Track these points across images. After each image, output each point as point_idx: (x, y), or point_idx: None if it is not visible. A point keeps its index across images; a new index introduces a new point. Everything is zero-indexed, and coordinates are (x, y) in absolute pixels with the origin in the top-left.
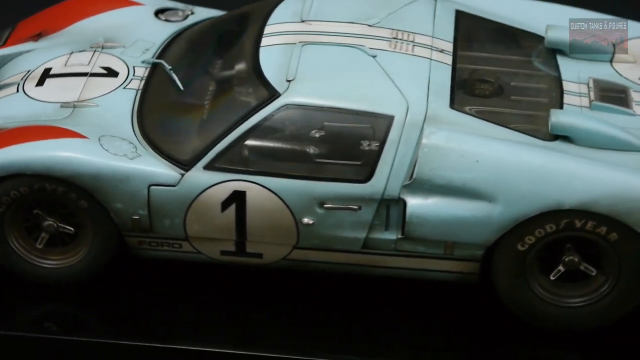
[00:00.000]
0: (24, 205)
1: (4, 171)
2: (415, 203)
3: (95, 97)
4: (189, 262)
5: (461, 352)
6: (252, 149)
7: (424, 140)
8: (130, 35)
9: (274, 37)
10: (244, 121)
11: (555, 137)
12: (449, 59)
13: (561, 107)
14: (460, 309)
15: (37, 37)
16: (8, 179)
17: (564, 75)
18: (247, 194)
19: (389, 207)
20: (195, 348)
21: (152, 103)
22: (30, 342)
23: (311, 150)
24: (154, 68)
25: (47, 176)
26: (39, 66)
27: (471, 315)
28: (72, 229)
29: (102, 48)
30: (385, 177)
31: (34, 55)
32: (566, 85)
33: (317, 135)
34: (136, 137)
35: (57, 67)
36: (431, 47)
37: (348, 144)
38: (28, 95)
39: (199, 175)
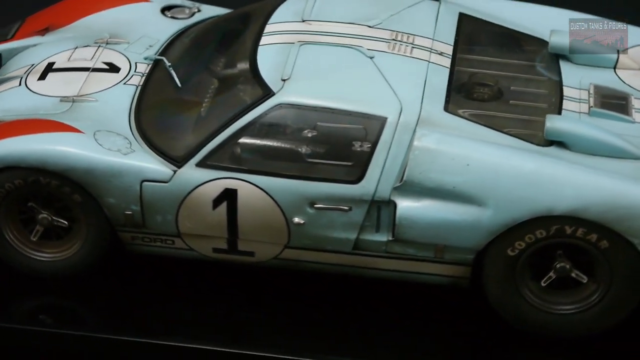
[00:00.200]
0: (19, 198)
1: None
2: (405, 205)
3: (94, 92)
4: (182, 259)
5: (456, 353)
6: (245, 147)
7: (415, 143)
8: (135, 32)
9: (274, 36)
10: (237, 119)
11: (550, 143)
12: (447, 62)
13: (560, 113)
14: (456, 311)
15: (44, 31)
16: (3, 171)
17: (565, 81)
18: (239, 192)
19: (380, 209)
20: (188, 345)
21: (150, 99)
22: (24, 335)
23: (303, 149)
24: (156, 65)
25: (41, 169)
26: (43, 60)
27: (467, 317)
28: (66, 222)
29: (107, 44)
30: (376, 179)
31: (39, 49)
32: (566, 91)
33: (309, 135)
34: (132, 132)
35: (60, 62)
36: (430, 50)
37: (340, 145)
38: (29, 89)
39: (191, 173)
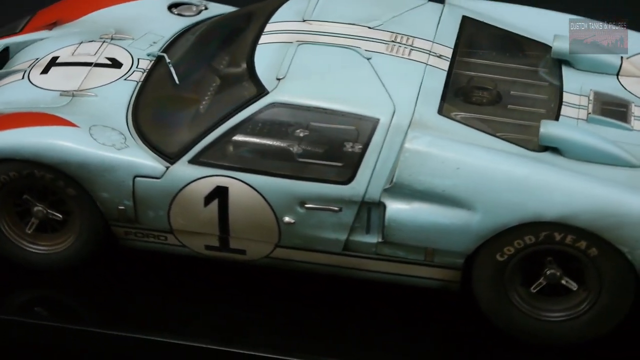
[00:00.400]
0: (14, 190)
1: None
2: (394, 207)
3: (95, 87)
4: (176, 255)
5: (455, 354)
6: (237, 145)
7: (406, 145)
8: (141, 28)
9: (273, 35)
10: (230, 117)
11: (545, 149)
12: (445, 65)
13: (557, 119)
14: (455, 312)
15: (52, 25)
16: None
17: (565, 87)
18: (230, 189)
19: (370, 210)
20: (181, 342)
21: (149, 95)
22: (18, 327)
23: (295, 149)
24: (158, 61)
25: (35, 162)
26: (47, 54)
27: (465, 318)
28: (60, 216)
29: (111, 39)
30: (367, 180)
31: (46, 43)
32: (566, 97)
33: (301, 134)
34: (128, 128)
35: (64, 56)
36: (429, 52)
37: (332, 145)
38: (32, 83)
39: (183, 169)
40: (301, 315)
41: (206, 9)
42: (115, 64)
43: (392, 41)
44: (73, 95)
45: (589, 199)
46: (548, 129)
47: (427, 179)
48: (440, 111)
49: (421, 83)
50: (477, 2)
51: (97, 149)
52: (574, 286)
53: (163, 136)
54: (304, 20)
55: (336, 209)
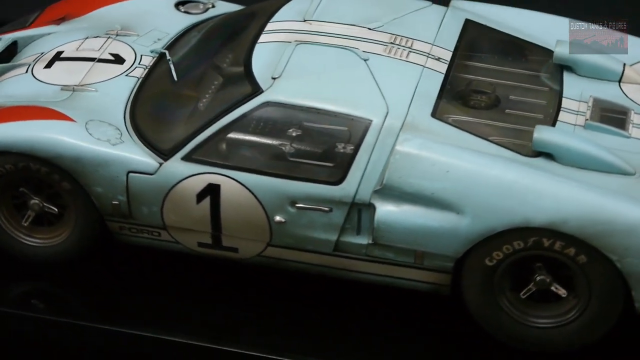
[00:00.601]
0: (11, 183)
1: None
2: (384, 209)
3: (96, 82)
4: (174, 253)
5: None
6: (230, 143)
7: (396, 147)
8: (147, 25)
9: (273, 34)
10: (224, 115)
11: (539, 154)
12: (443, 68)
13: (554, 124)
14: (453, 313)
15: (60, 20)
16: None
17: (565, 92)
18: (222, 187)
19: (361, 212)
20: (173, 339)
21: (148, 92)
22: (14, 319)
23: (287, 148)
24: (160, 58)
25: (31, 155)
26: (53, 49)
27: (462, 319)
28: (55, 209)
29: (117, 35)
30: (357, 181)
31: (52, 38)
32: (565, 103)
33: (294, 134)
34: (125, 124)
35: (68, 51)
36: (428, 55)
37: (323, 145)
38: (34, 77)
39: (176, 166)
40: (296, 315)
41: (213, 7)
42: (118, 59)
43: (391, 43)
44: (73, 90)
45: (579, 206)
46: (542, 134)
47: (417, 181)
48: (434, 114)
49: (417, 85)
50: (481, 5)
51: (92, 143)
52: (563, 293)
53: (159, 132)
54: (305, 20)
55: (326, 209)
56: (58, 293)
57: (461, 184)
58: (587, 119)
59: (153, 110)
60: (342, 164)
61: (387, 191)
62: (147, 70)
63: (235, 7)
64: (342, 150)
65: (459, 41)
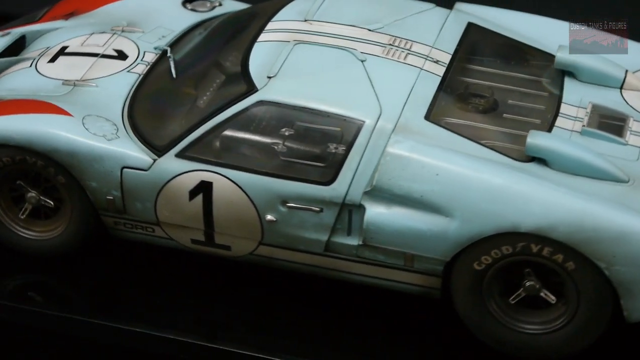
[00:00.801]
0: (8, 176)
1: None
2: (373, 210)
3: (97, 78)
4: (171, 249)
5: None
6: (223, 141)
7: (387, 149)
8: (153, 22)
9: (273, 33)
10: (219, 113)
11: (532, 159)
12: (441, 71)
13: (551, 129)
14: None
15: (68, 16)
16: None
17: (565, 98)
18: (214, 185)
19: (351, 213)
20: (165, 336)
21: (147, 88)
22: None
23: (279, 147)
24: (163, 55)
25: (27, 149)
26: (58, 44)
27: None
28: (52, 202)
29: (122, 31)
30: (348, 182)
31: (59, 33)
32: (564, 108)
33: (287, 133)
34: (122, 119)
35: (73, 46)
36: (426, 57)
37: (316, 145)
38: (38, 71)
39: (169, 162)
40: (292, 315)
41: (220, 5)
42: (121, 55)
43: (390, 44)
44: (74, 85)
45: (567, 212)
46: (535, 139)
47: (407, 183)
48: (428, 116)
49: (412, 87)
50: (485, 8)
51: (87, 138)
52: (552, 299)
53: (155, 129)
54: (305, 20)
55: (317, 209)
56: (54, 286)
57: (450, 187)
58: (584, 125)
59: (151, 106)
60: (334, 164)
61: (377, 193)
62: (148, 66)
63: (242, 6)
64: (333, 151)
65: (459, 44)
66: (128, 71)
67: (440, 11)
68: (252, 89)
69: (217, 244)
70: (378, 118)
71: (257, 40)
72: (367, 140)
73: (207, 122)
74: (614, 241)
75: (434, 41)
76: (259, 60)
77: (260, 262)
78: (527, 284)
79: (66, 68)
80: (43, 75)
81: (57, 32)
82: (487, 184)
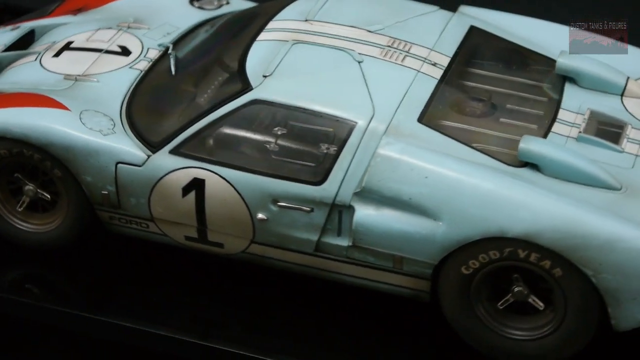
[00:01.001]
0: (6, 168)
1: None
2: (362, 212)
3: (99, 73)
4: (161, 244)
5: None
6: (217, 139)
7: (378, 150)
8: (159, 19)
9: (272, 32)
10: (213, 111)
11: (525, 164)
12: (438, 73)
13: (547, 135)
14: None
15: (77, 11)
16: None
17: (564, 104)
18: (206, 182)
19: (342, 213)
20: (158, 332)
21: (148, 85)
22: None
23: (271, 146)
24: (166, 52)
25: (24, 142)
26: (64, 39)
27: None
28: (48, 196)
29: (128, 28)
30: (339, 182)
31: (67, 28)
32: (562, 114)
33: (279, 132)
34: (120, 115)
35: (78, 41)
36: (424, 60)
37: (308, 145)
38: (42, 65)
39: (163, 159)
40: (285, 315)
41: (227, 3)
42: (124, 51)
43: (389, 46)
44: (76, 80)
45: (555, 218)
46: (527, 144)
47: (396, 185)
48: (421, 119)
49: (407, 90)
50: (489, 12)
51: (83, 133)
52: (540, 306)
53: (151, 125)
54: (306, 20)
55: (307, 209)
56: (51, 280)
57: (439, 190)
58: (580, 132)
59: (148, 103)
60: (325, 164)
61: (367, 194)
62: (151, 63)
63: (249, 4)
64: (325, 151)
65: (459, 47)
66: (130, 67)
67: (443, 14)
68: (247, 87)
69: (210, 241)
70: (370, 119)
71: (257, 39)
72: (358, 141)
73: (201, 119)
74: (601, 249)
75: (434, 44)
76: (256, 59)
77: (253, 261)
78: (516, 289)
79: (69, 63)
80: (46, 69)
81: (65, 27)
82: (476, 188)
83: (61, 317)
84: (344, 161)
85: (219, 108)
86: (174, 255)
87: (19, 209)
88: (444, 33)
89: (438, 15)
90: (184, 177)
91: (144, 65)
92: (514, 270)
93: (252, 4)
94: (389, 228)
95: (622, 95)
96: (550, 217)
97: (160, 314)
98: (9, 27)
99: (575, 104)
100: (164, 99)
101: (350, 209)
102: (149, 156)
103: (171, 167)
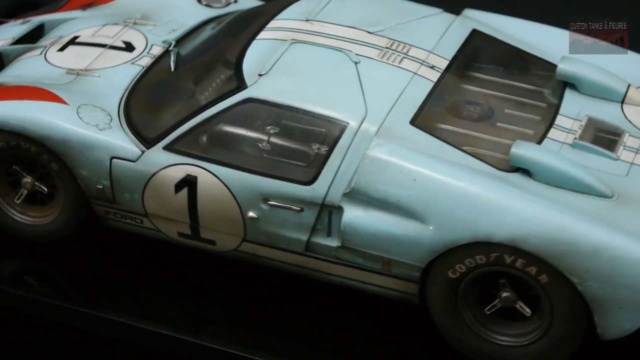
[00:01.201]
0: (5, 160)
1: None
2: (351, 213)
3: (101, 68)
4: (159, 241)
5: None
6: (210, 136)
7: (367, 151)
8: (166, 15)
9: (272, 31)
10: (207, 108)
11: (517, 169)
12: (435, 76)
13: (542, 141)
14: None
15: (86, 6)
16: None
17: (562, 110)
18: (198, 179)
19: (331, 214)
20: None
21: (148, 81)
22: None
23: (263, 145)
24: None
25: (22, 134)
26: (70, 33)
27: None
28: (45, 189)
29: (134, 24)
30: (328, 183)
31: (75, 23)
32: (559, 120)
33: (272, 131)
34: (118, 110)
35: (84, 36)
36: (422, 62)
37: (299, 145)
38: (46, 59)
39: (157, 155)
40: (279, 315)
41: (235, 1)
42: (128, 47)
43: (387, 48)
44: (77, 74)
45: (541, 224)
46: (519, 149)
47: (384, 187)
48: (414, 121)
49: (402, 92)
50: (493, 16)
51: (79, 127)
52: (527, 312)
53: (147, 121)
54: (307, 20)
55: (297, 208)
56: (46, 274)
57: (427, 193)
58: (575, 138)
59: (146, 99)
60: (315, 164)
61: (355, 195)
62: (153, 59)
63: (257, 3)
64: (316, 151)
65: (459, 50)
66: (132, 63)
67: (447, 17)
68: (241, 85)
69: (202, 238)
70: (362, 120)
71: (256, 38)
72: (349, 142)
73: (195, 116)
74: (587, 256)
75: (433, 46)
76: (253, 58)
77: (245, 259)
78: (503, 295)
79: (73, 57)
80: (50, 63)
81: (73, 22)
82: (464, 192)
83: (53, 309)
84: (335, 162)
85: (213, 105)
86: (170, 252)
87: (17, 201)
88: (445, 36)
89: (441, 18)
90: (177, 173)
91: (146, 61)
92: (501, 275)
93: (259, 3)
94: (376, 230)
95: (622, 102)
96: (536, 223)
97: (152, 310)
98: (20, 21)
99: (574, 110)
100: (162, 95)
101: (340, 209)
102: (143, 152)
103: (164, 163)
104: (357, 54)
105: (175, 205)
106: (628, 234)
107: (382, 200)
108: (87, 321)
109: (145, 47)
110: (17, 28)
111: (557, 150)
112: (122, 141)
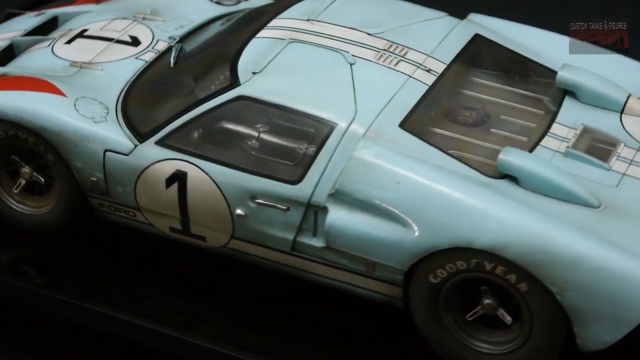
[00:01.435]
0: (3, 150)
1: None
2: (335, 213)
3: (104, 62)
4: (146, 233)
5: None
6: (201, 132)
7: (353, 153)
8: (176, 11)
9: (272, 30)
10: (200, 104)
11: (504, 176)
12: (431, 80)
13: (535, 148)
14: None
15: (99, 0)
16: None
17: (559, 118)
18: (188, 175)
19: (317, 214)
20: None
21: (149, 75)
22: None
23: (252, 143)
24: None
25: (19, 125)
26: (80, 26)
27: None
28: (42, 179)
29: (143, 19)
30: (314, 183)
31: (86, 16)
32: (555, 128)
33: (261, 130)
34: (116, 104)
35: (92, 30)
36: (418, 65)
37: (288, 144)
38: (53, 51)
39: (149, 149)
40: (276, 315)
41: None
42: (134, 42)
43: (385, 50)
44: (81, 67)
45: (522, 232)
46: (507, 156)
47: (367, 189)
48: (403, 124)
49: (394, 94)
50: (498, 21)
51: (75, 119)
52: (508, 320)
53: (143, 115)
54: (308, 20)
55: (284, 207)
56: (42, 265)
57: (410, 196)
58: (568, 147)
59: (144, 93)
60: (303, 164)
61: (340, 196)
62: (157, 55)
63: (267, 1)
64: (304, 151)
65: (459, 55)
66: (136, 58)
67: (450, 20)
68: (235, 83)
69: (193, 233)
70: (351, 122)
71: (256, 36)
72: (337, 142)
73: (188, 112)
74: (567, 266)
75: (432, 50)
76: (250, 56)
77: (234, 256)
78: (485, 302)
79: (79, 50)
80: (56, 55)
81: (84, 15)
82: (446, 197)
83: (47, 301)
84: (322, 162)
85: (205, 102)
86: (168, 249)
87: (15, 191)
88: (446, 40)
89: (444, 21)
90: (168, 168)
91: (150, 56)
92: (482, 282)
93: (269, 1)
94: (360, 231)
95: (621, 112)
96: (517, 231)
97: (147, 306)
98: (34, 13)
99: (571, 119)
100: (160, 90)
101: (325, 210)
102: (135, 146)
103: (156, 157)
104: (353, 55)
105: (166, 199)
106: (610, 245)
107: (366, 202)
108: (81, 314)
109: (151, 43)
110: (30, 20)
111: (549, 158)
112: (116, 134)
